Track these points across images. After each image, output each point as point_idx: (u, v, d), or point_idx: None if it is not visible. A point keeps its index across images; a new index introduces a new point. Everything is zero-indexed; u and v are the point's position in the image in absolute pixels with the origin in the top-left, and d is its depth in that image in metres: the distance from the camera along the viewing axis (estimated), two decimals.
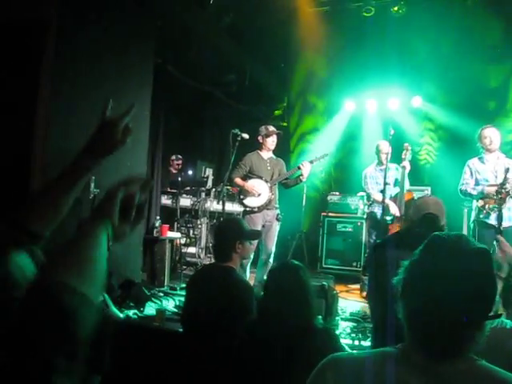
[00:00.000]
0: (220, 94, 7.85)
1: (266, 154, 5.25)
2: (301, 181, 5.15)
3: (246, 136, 4.90)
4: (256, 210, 5.06)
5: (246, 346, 2.09)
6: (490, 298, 1.12)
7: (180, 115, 7.96)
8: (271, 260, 5.14)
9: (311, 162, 5.14)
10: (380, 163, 5.61)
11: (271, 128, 5.21)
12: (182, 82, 6.82)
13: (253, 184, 5.10)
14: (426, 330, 1.10)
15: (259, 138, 5.20)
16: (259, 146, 5.25)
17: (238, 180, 5.15)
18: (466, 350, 1.11)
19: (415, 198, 5.42)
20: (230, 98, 8.10)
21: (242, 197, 5.16)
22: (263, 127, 5.22)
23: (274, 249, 5.17)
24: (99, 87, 4.34)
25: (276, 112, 9.49)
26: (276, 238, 5.20)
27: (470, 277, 1.09)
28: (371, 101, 8.06)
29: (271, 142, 5.17)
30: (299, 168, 5.10)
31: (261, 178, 5.14)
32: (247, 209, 5.12)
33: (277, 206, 5.22)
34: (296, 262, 2.24)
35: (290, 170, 5.25)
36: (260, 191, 5.08)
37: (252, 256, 5.03)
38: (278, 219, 5.17)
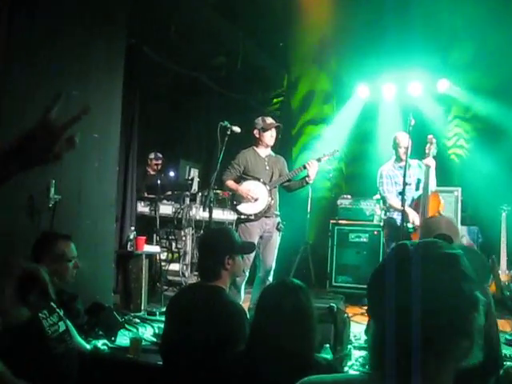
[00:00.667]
0: (207, 80, 7.86)
1: (264, 151, 5.26)
2: (307, 183, 5.17)
3: (236, 129, 4.90)
4: (252, 217, 5.07)
5: (232, 382, 2.09)
6: (455, 310, 1.12)
7: (159, 105, 7.97)
8: (271, 278, 5.15)
9: (319, 159, 5.16)
10: (399, 159, 5.62)
11: (269, 120, 5.22)
12: (162, 65, 6.84)
13: (248, 187, 5.12)
14: (388, 355, 1.13)
15: (255, 131, 5.22)
16: (255, 142, 5.26)
17: (230, 182, 5.16)
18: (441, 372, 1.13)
19: (441, 201, 5.43)
20: (219, 85, 8.11)
21: (235, 202, 5.18)
22: (260, 119, 5.23)
23: (273, 264, 5.18)
24: (60, 73, 4.35)
25: (274, 100, 9.52)
26: (276, 252, 5.21)
27: (433, 288, 1.12)
28: (389, 85, 8.10)
29: (270, 136, 5.18)
30: (304, 168, 5.11)
31: (258, 179, 5.15)
32: (242, 217, 5.13)
33: (277, 213, 5.23)
34: (295, 281, 2.24)
35: (294, 170, 5.27)
36: (257, 195, 5.09)
37: (247, 273, 5.03)
38: (278, 229, 5.18)
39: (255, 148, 5.27)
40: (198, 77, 7.69)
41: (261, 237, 5.13)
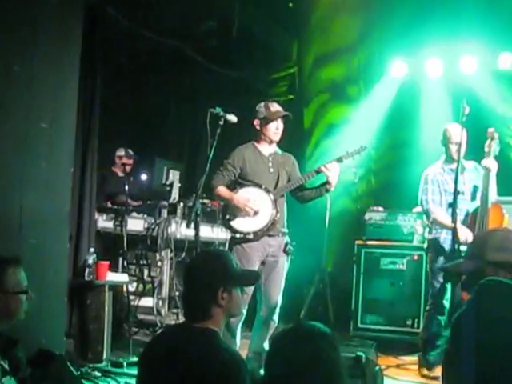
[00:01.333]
0: (192, 52, 7.88)
1: (267, 148, 5.27)
2: (327, 190, 5.19)
3: (232, 118, 4.90)
4: (251, 236, 5.07)
5: None
6: None
7: (128, 87, 7.97)
8: (275, 318, 5.14)
9: (340, 159, 5.16)
10: (450, 160, 5.62)
11: (275, 107, 5.23)
12: (132, 32, 6.85)
13: (246, 196, 5.11)
14: None
15: (256, 122, 5.22)
16: (256, 136, 5.27)
17: (222, 189, 5.16)
18: None
19: (505, 215, 5.42)
20: (208, 58, 8.13)
21: (228, 216, 5.17)
22: (262, 106, 5.24)
23: (280, 300, 5.17)
24: None
25: (281, 79, 9.53)
26: (283, 283, 5.21)
27: None
28: (433, 61, 8.10)
29: (275, 129, 5.19)
30: (318, 173, 5.13)
31: (259, 185, 5.15)
32: (237, 236, 5.12)
33: (284, 230, 5.23)
34: (318, 325, 2.22)
35: (307, 174, 5.26)
36: (257, 207, 5.08)
37: (245, 312, 5.01)
38: (286, 252, 5.18)
39: (256, 144, 5.28)
40: (179, 47, 7.70)
41: (263, 262, 5.12)
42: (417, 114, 8.28)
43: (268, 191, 5.14)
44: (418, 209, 6.85)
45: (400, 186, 7.84)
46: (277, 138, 5.24)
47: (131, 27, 6.76)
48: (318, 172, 5.13)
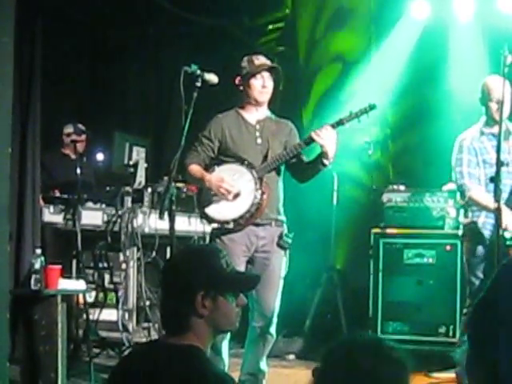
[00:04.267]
0: None
1: (255, 114, 5.29)
2: (323, 165, 5.13)
3: (212, 78, 4.91)
4: (231, 226, 5.08)
5: None
6: None
7: (75, 43, 7.93)
8: (272, 330, 5.16)
9: (339, 123, 5.11)
10: (491, 122, 5.64)
11: (260, 59, 5.23)
12: None
13: (221, 175, 5.11)
14: None
15: (238, 81, 5.23)
16: (240, 99, 5.28)
17: (196, 168, 5.16)
18: None
19: None
20: (177, 2, 8.09)
21: (202, 202, 5.17)
22: (245, 60, 5.26)
23: (277, 307, 5.18)
24: None
25: (271, 28, 9.52)
26: (281, 285, 5.21)
27: None
28: None
29: (260, 86, 5.18)
30: (312, 140, 5.08)
31: (241, 161, 5.15)
32: (214, 226, 5.18)
33: (279, 217, 5.23)
34: (384, 341, 2.22)
35: (294, 145, 5.24)
36: (238, 188, 5.08)
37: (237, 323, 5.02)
38: (281, 245, 5.17)
39: (240, 110, 5.30)
40: None
41: (250, 260, 5.14)
42: (444, 65, 8.30)
43: (251, 167, 5.12)
44: (450, 186, 6.88)
45: (426, 158, 7.85)
46: (263, 97, 5.23)
47: None
48: (308, 142, 5.12)
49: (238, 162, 5.15)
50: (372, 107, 5.22)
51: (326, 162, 5.08)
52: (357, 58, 8.85)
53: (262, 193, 5.08)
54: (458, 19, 8.23)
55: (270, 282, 5.13)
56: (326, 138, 4.99)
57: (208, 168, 5.18)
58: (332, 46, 9.07)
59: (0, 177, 5.15)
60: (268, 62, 5.25)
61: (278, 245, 5.15)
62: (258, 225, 5.10)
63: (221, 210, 5.10)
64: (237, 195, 5.07)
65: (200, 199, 5.23)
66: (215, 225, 5.15)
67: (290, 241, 5.18)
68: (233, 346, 5.20)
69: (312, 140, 5.06)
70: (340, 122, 5.12)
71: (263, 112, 5.30)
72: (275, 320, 5.17)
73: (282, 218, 5.24)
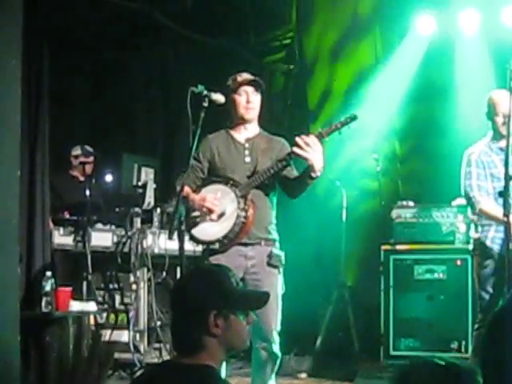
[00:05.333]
0: (162, 17, 7.88)
1: (244, 133, 5.27)
2: (311, 178, 4.99)
3: (219, 98, 4.90)
4: (216, 246, 5.05)
5: None
6: None
7: (83, 67, 7.96)
8: (276, 349, 5.10)
9: (321, 134, 4.99)
10: (497, 136, 5.65)
11: (242, 76, 5.22)
12: None
13: (204, 195, 5.09)
14: None
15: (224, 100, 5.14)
16: (229, 119, 5.29)
17: (184, 190, 5.07)
18: None
19: None
20: (183, 23, 8.12)
21: (189, 223, 5.12)
22: (230, 78, 5.27)
23: (278, 326, 5.14)
24: None
25: (277, 44, 9.54)
26: (279, 304, 5.14)
27: None
28: (469, 12, 8.11)
29: (244, 102, 5.15)
30: (293, 153, 4.95)
31: (226, 181, 5.12)
32: (202, 247, 5.20)
33: (270, 236, 5.16)
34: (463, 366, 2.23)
35: (277, 160, 5.14)
36: (222, 208, 5.04)
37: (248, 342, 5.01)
38: (272, 264, 5.09)
39: (229, 130, 5.29)
40: (146, 12, 7.70)
41: (242, 281, 5.08)
42: (451, 80, 8.30)
43: (235, 186, 5.06)
44: (459, 201, 6.87)
45: (434, 174, 7.85)
46: (249, 114, 5.19)
47: None
48: (289, 158, 5.02)
49: (223, 182, 5.11)
50: (353, 118, 5.12)
51: (313, 175, 4.94)
52: (364, 75, 8.86)
53: (245, 212, 5.00)
54: (464, 34, 8.24)
55: (268, 303, 5.08)
56: (310, 151, 4.85)
57: (198, 188, 5.17)
58: (339, 63, 9.09)
59: (10, 199, 5.18)
60: (249, 76, 5.21)
61: (269, 264, 5.08)
62: (246, 244, 5.04)
63: (206, 231, 5.08)
64: (221, 215, 5.03)
65: (187, 221, 5.18)
66: (201, 246, 5.15)
67: (281, 259, 5.12)
68: (243, 366, 5.17)
69: (293, 154, 4.96)
70: (321, 134, 4.99)
71: (253, 130, 5.27)
72: (277, 339, 5.08)
73: (273, 236, 5.17)
